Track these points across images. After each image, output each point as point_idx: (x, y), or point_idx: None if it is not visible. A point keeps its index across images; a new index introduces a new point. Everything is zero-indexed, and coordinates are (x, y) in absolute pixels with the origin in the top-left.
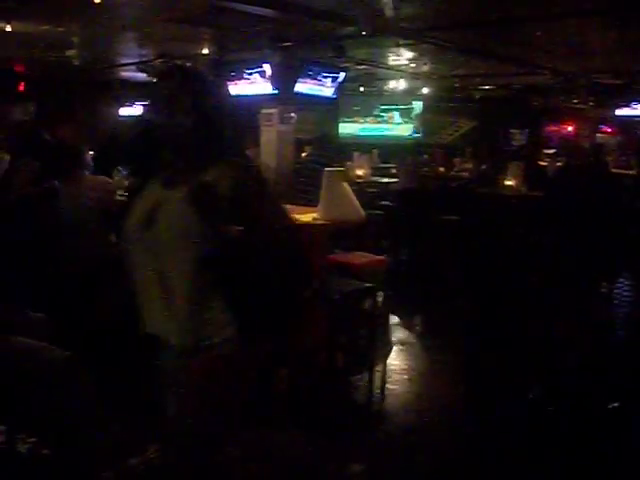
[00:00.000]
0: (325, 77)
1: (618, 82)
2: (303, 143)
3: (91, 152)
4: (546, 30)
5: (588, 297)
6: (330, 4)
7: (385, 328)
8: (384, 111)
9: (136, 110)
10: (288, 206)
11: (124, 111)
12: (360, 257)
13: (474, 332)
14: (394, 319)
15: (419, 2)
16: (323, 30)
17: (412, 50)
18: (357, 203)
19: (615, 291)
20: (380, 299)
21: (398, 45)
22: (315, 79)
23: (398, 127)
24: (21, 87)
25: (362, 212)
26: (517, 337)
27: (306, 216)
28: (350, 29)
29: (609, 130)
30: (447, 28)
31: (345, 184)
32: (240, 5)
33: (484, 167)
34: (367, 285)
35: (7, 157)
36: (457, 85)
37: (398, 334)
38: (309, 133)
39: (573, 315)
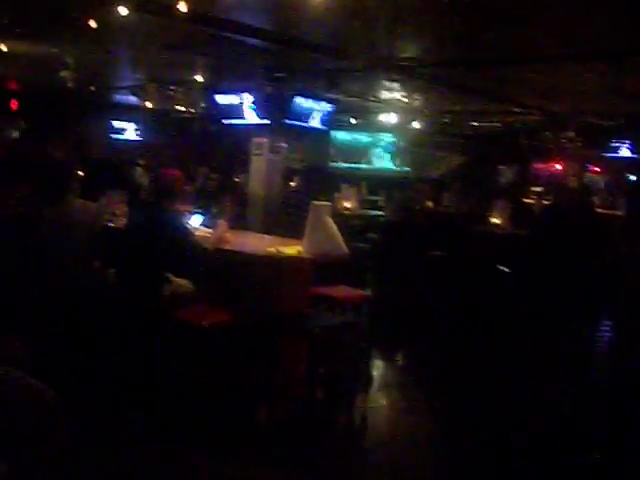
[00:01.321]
0: (316, 109)
1: (606, 123)
2: (292, 172)
3: (81, 172)
4: (537, 71)
5: (570, 341)
6: (324, 38)
7: (366, 362)
8: (375, 143)
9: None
10: (275, 237)
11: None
12: (344, 291)
13: (456, 370)
14: (376, 353)
15: (413, 40)
16: (316, 62)
17: (404, 85)
18: (341, 239)
19: (597, 334)
20: (362, 334)
21: (391, 80)
22: (306, 110)
23: (387, 160)
24: (13, 105)
25: (345, 249)
26: (499, 377)
27: (291, 249)
28: (343, 63)
29: (597, 169)
30: (440, 65)
31: (330, 219)
32: (235, 35)
33: (472, 203)
34: (349, 320)
35: None
36: (448, 121)
37: (379, 369)
38: (299, 162)
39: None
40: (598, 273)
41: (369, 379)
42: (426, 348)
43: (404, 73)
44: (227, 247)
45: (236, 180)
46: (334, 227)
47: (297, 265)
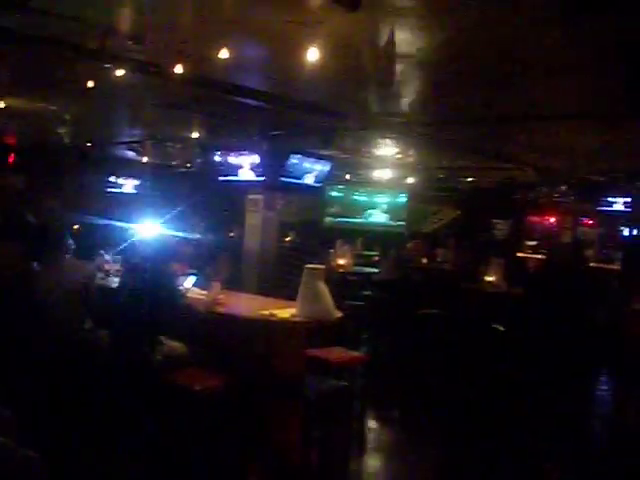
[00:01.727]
0: (311, 166)
1: (599, 179)
2: (287, 227)
3: (76, 227)
4: (530, 130)
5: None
6: (318, 98)
7: (361, 426)
8: (369, 199)
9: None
10: (269, 299)
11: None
12: (339, 353)
13: (453, 431)
14: (371, 415)
15: (408, 99)
16: (311, 121)
17: (398, 142)
18: (332, 305)
19: (594, 391)
20: (357, 396)
21: (385, 138)
22: (301, 168)
23: (382, 215)
24: (11, 159)
25: (335, 315)
26: (497, 437)
27: (285, 311)
28: (338, 122)
29: (590, 222)
30: (435, 124)
31: (322, 284)
32: (230, 96)
33: (466, 260)
34: (344, 384)
35: None
36: (442, 176)
37: (375, 432)
38: (293, 216)
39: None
40: (594, 329)
41: (364, 443)
42: (421, 409)
43: (399, 131)
44: (220, 309)
45: (230, 237)
46: (326, 292)
47: (291, 328)
